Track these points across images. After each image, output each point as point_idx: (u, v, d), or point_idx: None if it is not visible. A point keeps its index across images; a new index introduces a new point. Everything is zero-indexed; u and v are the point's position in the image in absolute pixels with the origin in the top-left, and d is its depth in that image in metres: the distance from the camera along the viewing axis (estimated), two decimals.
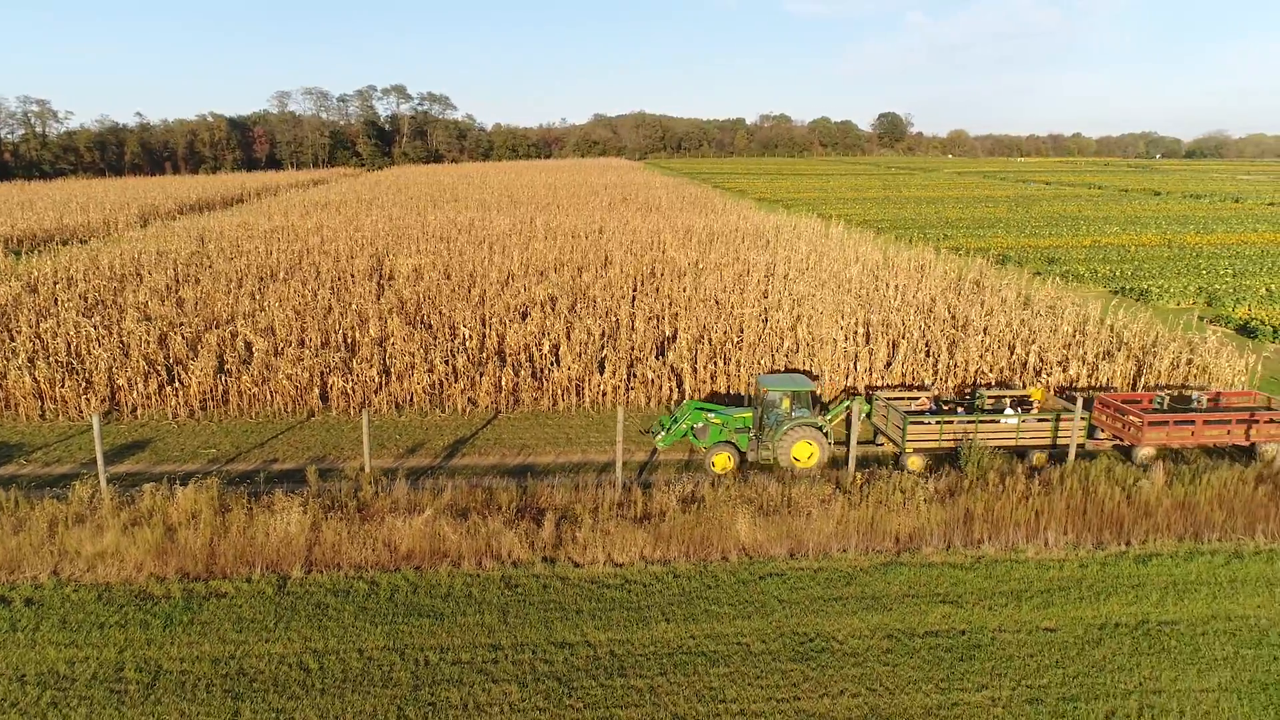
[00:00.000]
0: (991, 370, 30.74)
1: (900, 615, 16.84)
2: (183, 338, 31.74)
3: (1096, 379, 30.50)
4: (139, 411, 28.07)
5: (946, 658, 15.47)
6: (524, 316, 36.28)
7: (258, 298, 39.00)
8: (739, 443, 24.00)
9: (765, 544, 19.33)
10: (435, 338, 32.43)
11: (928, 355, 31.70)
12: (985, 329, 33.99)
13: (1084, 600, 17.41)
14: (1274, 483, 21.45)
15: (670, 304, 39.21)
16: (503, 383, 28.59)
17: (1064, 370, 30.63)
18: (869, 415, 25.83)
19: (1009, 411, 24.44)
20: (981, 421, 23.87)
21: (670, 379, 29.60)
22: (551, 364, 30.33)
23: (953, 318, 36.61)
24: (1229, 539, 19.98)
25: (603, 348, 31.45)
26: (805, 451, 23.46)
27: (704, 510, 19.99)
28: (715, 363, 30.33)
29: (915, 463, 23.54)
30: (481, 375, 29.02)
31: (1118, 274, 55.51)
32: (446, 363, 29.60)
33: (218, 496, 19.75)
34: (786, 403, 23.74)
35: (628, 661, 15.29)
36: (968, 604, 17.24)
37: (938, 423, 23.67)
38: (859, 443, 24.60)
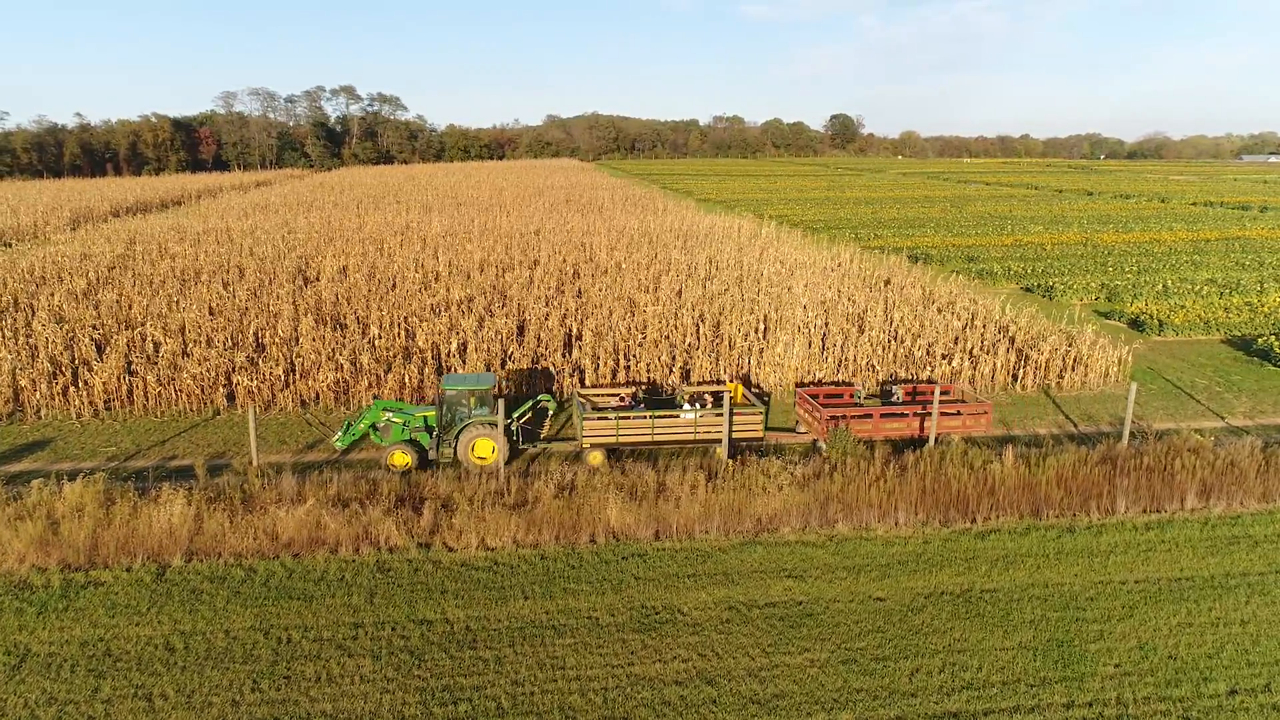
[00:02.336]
0: (881, 364, 32.25)
1: (745, 589, 18.06)
2: (90, 339, 32.06)
3: (979, 371, 32.15)
4: (43, 412, 28.42)
5: (779, 625, 16.71)
6: (438, 315, 37.06)
7: (175, 299, 39.27)
8: (421, 441, 24.37)
9: (633, 527, 20.45)
10: (345, 337, 33.08)
11: (823, 350, 33.11)
12: (874, 325, 35.51)
13: (918, 572, 18.79)
14: (1112, 463, 23.09)
15: (585, 302, 40.30)
16: (406, 379, 29.41)
17: (948, 363, 32.25)
18: (552, 411, 26.74)
19: (686, 407, 25.37)
20: (658, 417, 24.64)
21: (573, 374, 30.67)
22: (459, 361, 31.22)
23: (856, 314, 38.14)
24: (1065, 515, 21.56)
25: (507, 346, 32.41)
26: (486, 448, 23.89)
27: (577, 497, 21.07)
28: (616, 359, 31.44)
29: (595, 457, 24.13)
30: (388, 372, 29.82)
31: (1030, 271, 57.72)
32: (353, 361, 30.34)
33: (104, 490, 20.36)
34: (473, 400, 24.17)
35: (481, 635, 16.30)
36: (811, 578, 18.52)
37: (615, 418, 24.41)
38: (551, 439, 26.20)
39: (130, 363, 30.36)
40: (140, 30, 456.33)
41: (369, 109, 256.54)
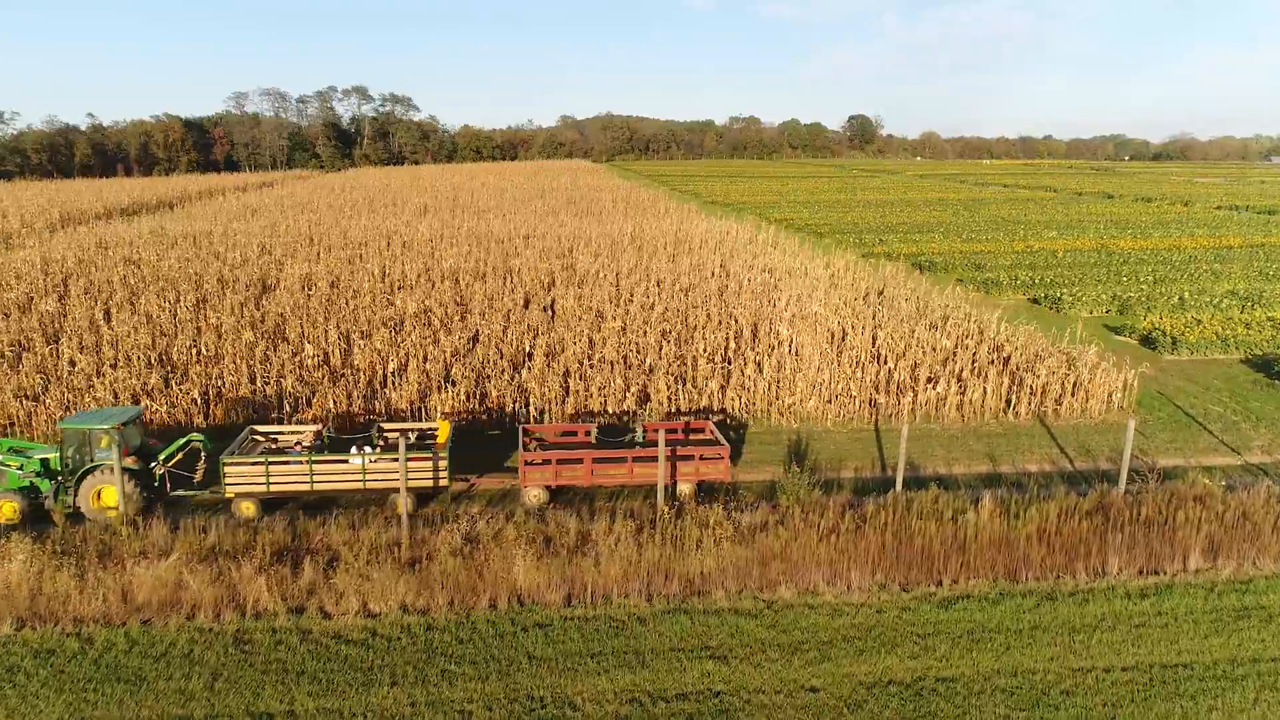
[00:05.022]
0: (860, 389, 29.34)
1: (657, 673, 15.31)
2: (2, 355, 29.79)
3: (967, 397, 29.16)
4: None
5: None
6: (397, 329, 34.58)
7: (116, 310, 36.99)
8: (41, 487, 20.83)
9: (543, 588, 17.77)
10: (275, 354, 30.54)
11: (794, 373, 30.24)
12: (855, 344, 32.63)
13: (865, 652, 15.95)
14: (1104, 514, 20.13)
15: (552, 315, 37.75)
16: (332, 403, 26.86)
17: (933, 387, 29.30)
18: (205, 452, 22.38)
19: (353, 451, 22.10)
20: (318, 462, 21.06)
21: (517, 397, 28.02)
22: (398, 382, 28.65)
23: (840, 331, 35.27)
24: (1046, 578, 18.64)
25: (450, 368, 29.82)
26: (115, 497, 20.35)
27: (480, 551, 18.40)
28: (567, 382, 28.75)
29: (246, 508, 20.86)
30: (314, 396, 27.29)
31: (1038, 280, 54.49)
32: (273, 383, 27.80)
33: None
34: (105, 440, 20.53)
35: None
36: (736, 659, 15.74)
37: (265, 463, 20.83)
38: (200, 486, 21.92)
39: (42, 382, 27.99)
40: (153, 31, 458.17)
41: (381, 109, 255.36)
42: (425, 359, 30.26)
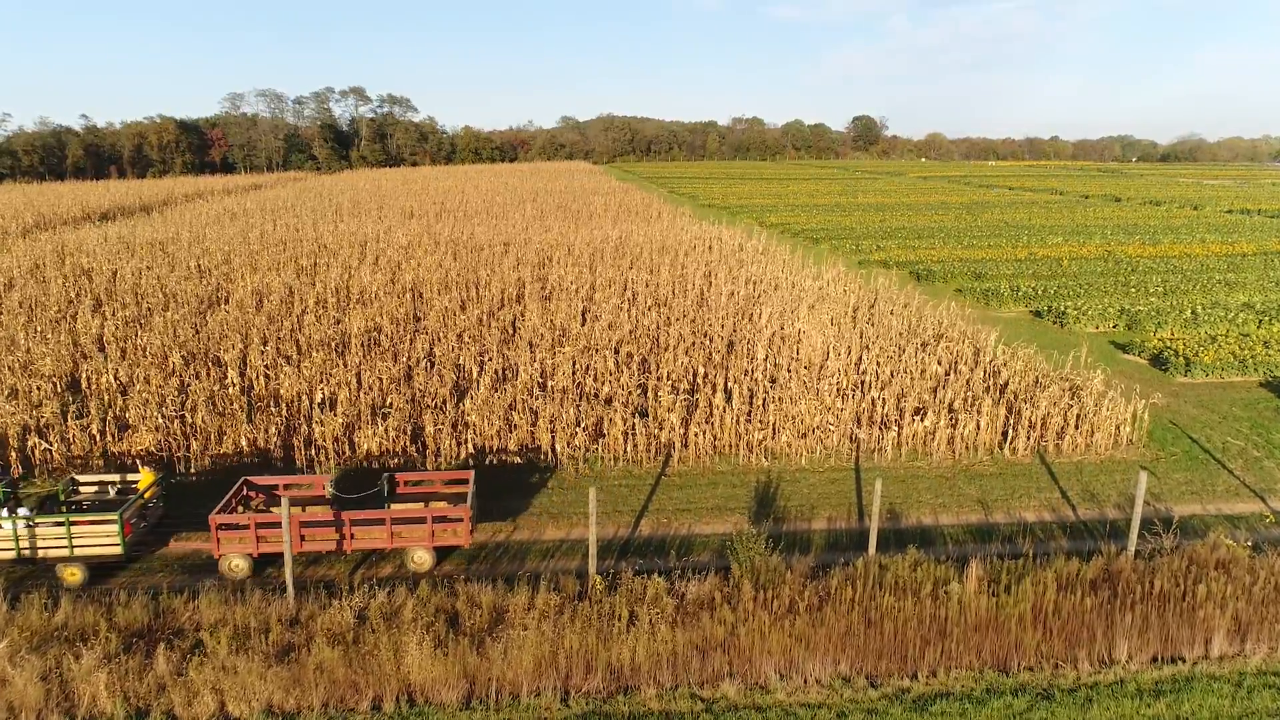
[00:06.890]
0: (840, 422, 26.42)
1: None
2: None
3: (959, 431, 26.20)
4: None
5: None
6: (340, 351, 31.78)
7: (40, 329, 34.27)
8: None
9: (439, 684, 14.89)
10: (191, 380, 27.71)
11: (764, 406, 27.32)
12: (835, 369, 29.68)
13: None
14: (1112, 586, 17.16)
15: (513, 333, 34.92)
16: (244, 441, 24.03)
17: (920, 419, 26.36)
18: None
19: (4, 514, 18.36)
20: None
21: (459, 432, 25.14)
22: (325, 413, 25.81)
23: (824, 352, 32.35)
24: (1043, 668, 15.70)
25: (386, 397, 26.95)
26: None
27: (368, 636, 15.51)
28: (512, 414, 25.84)
29: None
30: (224, 432, 24.45)
31: (1041, 291, 51.42)
32: (182, 417, 24.97)
33: None
34: None
35: None
36: None
37: None
38: None
39: None
40: (149, 31, 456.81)
41: (379, 110, 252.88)
42: (359, 386, 27.40)
